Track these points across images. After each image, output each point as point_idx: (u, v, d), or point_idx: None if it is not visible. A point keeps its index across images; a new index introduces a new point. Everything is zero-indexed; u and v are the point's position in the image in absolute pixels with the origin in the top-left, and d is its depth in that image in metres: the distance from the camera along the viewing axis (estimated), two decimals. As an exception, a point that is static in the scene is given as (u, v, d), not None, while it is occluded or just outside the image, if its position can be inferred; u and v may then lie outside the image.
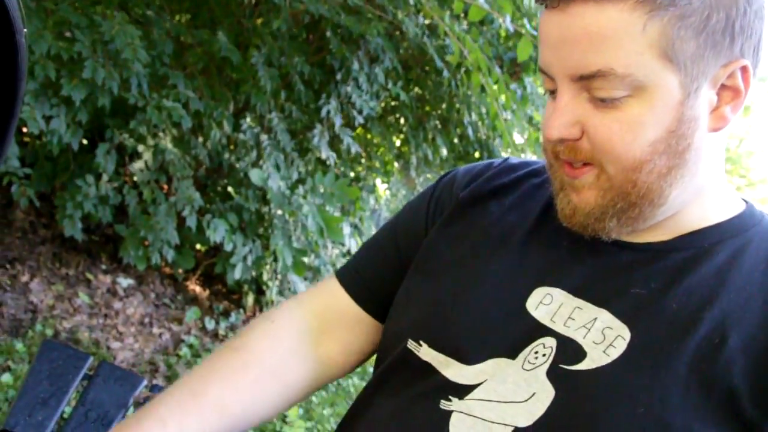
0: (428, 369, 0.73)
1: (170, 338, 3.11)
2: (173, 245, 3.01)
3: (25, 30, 0.55)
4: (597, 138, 0.65)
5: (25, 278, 2.97)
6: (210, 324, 3.27)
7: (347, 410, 0.88)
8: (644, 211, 0.68)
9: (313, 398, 3.11)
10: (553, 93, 0.69)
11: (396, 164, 4.38)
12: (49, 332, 2.72)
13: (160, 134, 2.82)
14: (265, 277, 3.23)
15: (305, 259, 3.21)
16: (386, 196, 4.46)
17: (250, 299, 3.42)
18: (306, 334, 0.85)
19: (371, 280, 0.88)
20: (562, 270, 0.73)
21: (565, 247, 0.74)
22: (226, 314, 3.40)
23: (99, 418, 1.15)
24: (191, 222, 2.92)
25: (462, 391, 0.70)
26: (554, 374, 0.66)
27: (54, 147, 2.68)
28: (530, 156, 3.45)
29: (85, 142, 3.14)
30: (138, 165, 2.86)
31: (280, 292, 3.44)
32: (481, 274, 0.75)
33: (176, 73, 2.78)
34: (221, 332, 3.28)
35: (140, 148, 2.83)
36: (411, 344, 0.75)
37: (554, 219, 0.76)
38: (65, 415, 1.38)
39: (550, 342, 0.68)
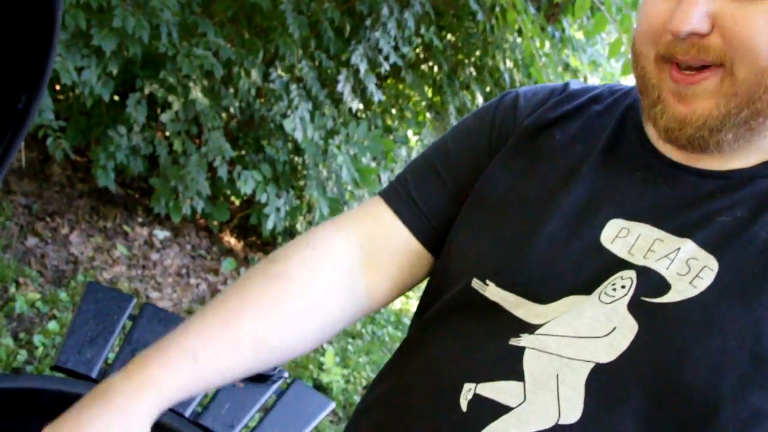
0: (496, 308, 0.69)
1: (207, 288, 3.15)
2: (205, 196, 3.02)
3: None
4: (736, 34, 0.58)
5: (65, 231, 3.03)
6: (246, 275, 3.30)
7: (397, 350, 0.84)
8: (767, 122, 0.61)
9: (349, 347, 3.14)
10: None
11: (428, 114, 4.31)
12: (91, 282, 2.78)
13: (190, 84, 2.80)
14: (299, 227, 3.24)
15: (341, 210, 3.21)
16: (418, 148, 4.40)
17: (284, 250, 3.44)
18: (349, 264, 0.77)
19: (425, 206, 0.79)
20: (638, 201, 0.68)
21: (639, 177, 0.69)
22: (261, 265, 3.43)
23: (145, 356, 1.16)
24: (222, 173, 2.92)
25: (533, 327, 0.67)
26: (636, 308, 0.63)
27: (86, 99, 2.68)
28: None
29: (116, 98, 3.14)
30: (168, 115, 2.86)
31: (314, 243, 3.44)
32: (550, 209, 0.71)
33: (206, 21, 2.74)
34: (257, 283, 3.31)
35: (170, 98, 2.82)
36: (476, 284, 0.71)
37: (623, 147, 0.71)
38: (109, 358, 1.40)
39: (629, 274, 0.64)
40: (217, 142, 2.88)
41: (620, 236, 0.66)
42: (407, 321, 3.67)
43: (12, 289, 2.56)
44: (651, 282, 0.63)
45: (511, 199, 0.74)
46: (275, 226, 3.09)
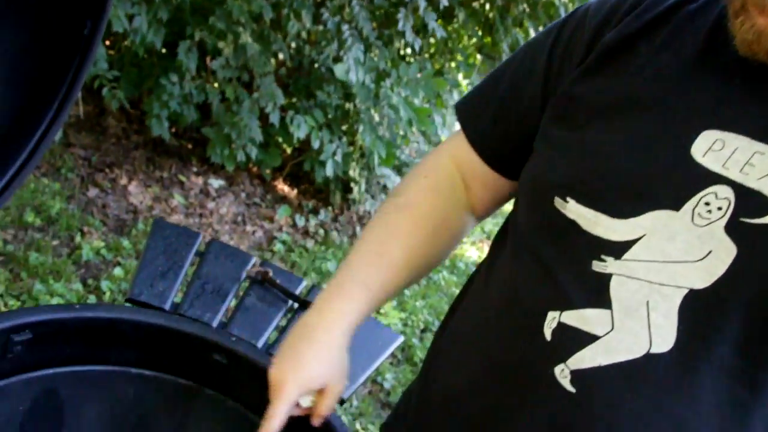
0: (573, 228, 0.65)
1: (263, 235, 3.18)
2: (258, 143, 3.02)
3: None
4: None
5: (123, 181, 3.08)
6: (300, 221, 3.32)
7: (469, 278, 0.85)
8: None
9: (406, 291, 3.14)
10: None
11: (478, 56, 4.18)
12: (151, 230, 2.83)
13: (240, 30, 2.76)
14: (351, 173, 3.22)
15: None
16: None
17: (337, 197, 3.43)
18: (456, 185, 0.86)
19: (495, 135, 0.82)
20: (736, 110, 0.62)
21: (738, 84, 0.62)
22: (315, 212, 3.44)
23: (215, 290, 1.16)
24: (274, 119, 2.90)
25: (617, 250, 0.62)
26: (734, 229, 0.58)
27: (138, 47, 2.67)
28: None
29: (164, 51, 3.13)
30: (219, 62, 2.84)
31: (368, 189, 3.43)
32: (635, 122, 0.65)
33: (252, -38, 2.68)
34: (311, 229, 3.33)
35: (220, 44, 2.79)
36: (557, 202, 0.67)
37: (721, 51, 0.64)
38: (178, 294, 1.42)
39: (724, 191, 0.59)
40: (269, 88, 2.86)
41: (714, 149, 0.61)
42: (462, 266, 3.65)
43: (78, 238, 2.64)
44: (751, 201, 0.58)
45: (594, 115, 0.69)
46: (333, 172, 3.08)
